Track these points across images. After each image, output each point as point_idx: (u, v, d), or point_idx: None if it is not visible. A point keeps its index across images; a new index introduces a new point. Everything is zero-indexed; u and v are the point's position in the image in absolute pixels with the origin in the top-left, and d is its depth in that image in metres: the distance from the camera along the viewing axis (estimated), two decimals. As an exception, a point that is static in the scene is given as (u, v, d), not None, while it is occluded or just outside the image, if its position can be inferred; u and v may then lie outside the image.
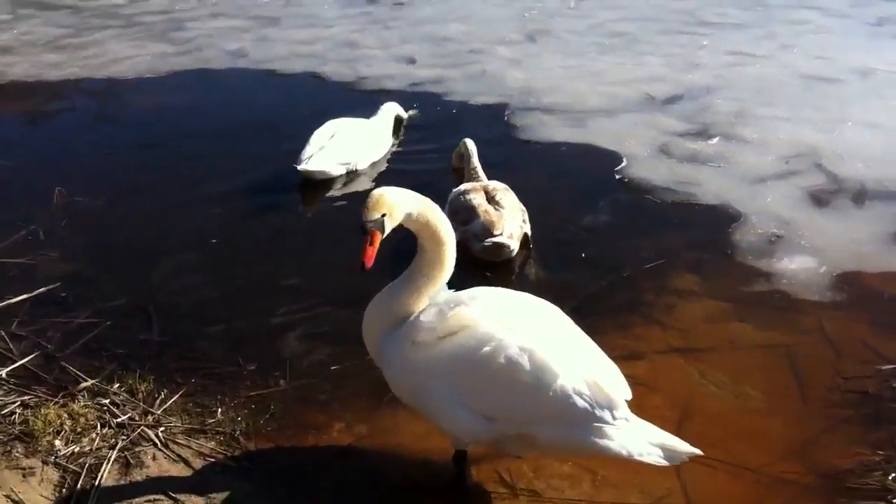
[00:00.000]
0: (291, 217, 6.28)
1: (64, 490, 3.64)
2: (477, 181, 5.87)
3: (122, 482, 3.69)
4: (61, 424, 3.93)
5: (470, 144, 6.14)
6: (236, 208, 6.25)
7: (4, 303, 4.97)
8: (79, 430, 3.93)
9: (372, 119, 7.22)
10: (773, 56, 9.15)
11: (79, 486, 3.64)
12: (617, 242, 5.68)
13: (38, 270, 5.37)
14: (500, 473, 3.76)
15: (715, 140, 7.09)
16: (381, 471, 3.86)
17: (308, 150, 6.56)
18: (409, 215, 3.35)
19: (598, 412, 3.21)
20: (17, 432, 3.90)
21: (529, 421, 3.31)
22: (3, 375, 4.33)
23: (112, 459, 3.77)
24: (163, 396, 4.23)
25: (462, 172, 6.15)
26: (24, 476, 3.67)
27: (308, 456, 3.93)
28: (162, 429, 4.00)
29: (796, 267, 5.25)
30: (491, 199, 5.55)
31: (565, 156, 7.03)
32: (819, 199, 6.08)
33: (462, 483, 3.72)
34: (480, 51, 9.62)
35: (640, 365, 4.36)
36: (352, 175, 6.75)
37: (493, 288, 3.57)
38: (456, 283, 3.58)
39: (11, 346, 4.60)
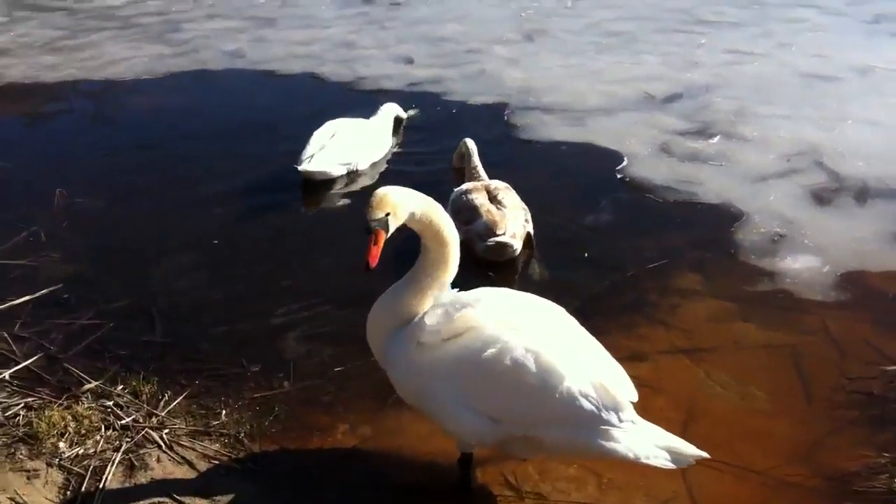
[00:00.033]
0: (292, 217, 6.26)
1: (68, 492, 3.63)
2: (478, 180, 5.86)
3: (127, 484, 3.69)
4: (65, 426, 3.93)
5: (470, 144, 6.14)
6: (237, 209, 6.24)
7: (7, 304, 4.96)
8: (83, 432, 3.93)
9: (372, 119, 7.21)
10: (771, 54, 9.16)
11: (83, 488, 3.64)
12: (619, 242, 5.68)
13: (40, 272, 5.36)
14: (505, 476, 3.75)
15: (715, 139, 7.09)
16: (386, 473, 3.85)
17: (308, 151, 6.54)
18: (412, 215, 3.33)
19: (604, 414, 3.20)
20: (21, 434, 3.89)
21: (535, 423, 3.30)
22: (7, 377, 4.32)
23: (116, 462, 3.77)
24: (167, 398, 4.22)
25: (463, 172, 6.14)
26: (28, 478, 3.67)
27: (312, 458, 3.93)
28: (166, 431, 3.99)
29: (799, 266, 5.25)
30: (493, 198, 5.54)
31: (566, 155, 7.03)
32: (821, 198, 6.09)
33: (467, 485, 3.71)
34: (478, 50, 9.60)
35: (644, 366, 4.36)
36: (352, 175, 6.74)
37: (498, 288, 3.57)
38: (459, 282, 3.56)
39: (14, 348, 4.59)
